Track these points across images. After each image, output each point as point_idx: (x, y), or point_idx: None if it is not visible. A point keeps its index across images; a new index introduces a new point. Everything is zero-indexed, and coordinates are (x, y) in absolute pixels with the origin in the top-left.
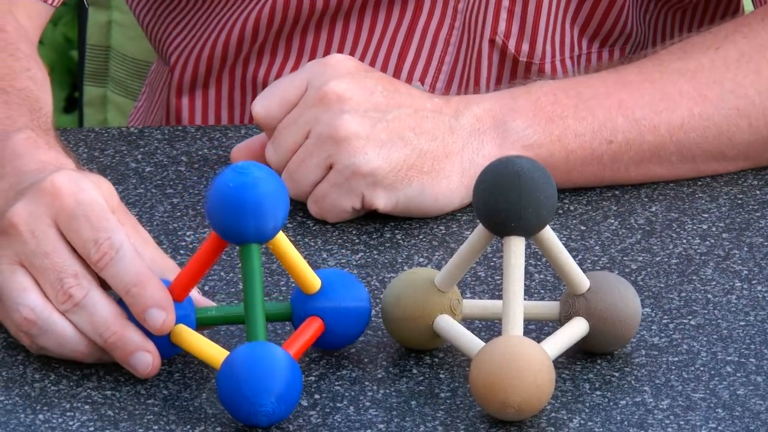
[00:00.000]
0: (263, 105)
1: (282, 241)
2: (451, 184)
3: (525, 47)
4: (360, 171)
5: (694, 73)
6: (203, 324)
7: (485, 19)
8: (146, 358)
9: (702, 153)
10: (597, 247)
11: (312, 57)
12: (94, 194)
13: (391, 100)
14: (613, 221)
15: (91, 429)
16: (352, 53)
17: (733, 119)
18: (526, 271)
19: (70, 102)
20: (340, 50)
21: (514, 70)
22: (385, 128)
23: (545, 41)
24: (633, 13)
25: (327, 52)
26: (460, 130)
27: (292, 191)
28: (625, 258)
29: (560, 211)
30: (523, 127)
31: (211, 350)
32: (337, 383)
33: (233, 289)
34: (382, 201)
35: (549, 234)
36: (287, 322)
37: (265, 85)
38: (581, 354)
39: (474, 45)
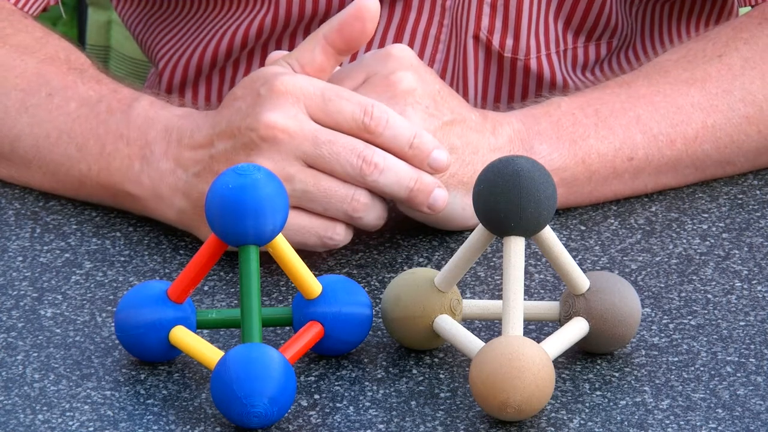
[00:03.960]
0: None
1: (282, 245)
2: None
3: (509, 43)
4: None
5: (703, 83)
6: (203, 327)
7: (469, 15)
8: (442, 194)
9: (713, 162)
10: (597, 247)
11: None
12: (309, 79)
13: (446, 103)
14: (613, 221)
15: (91, 429)
16: None
17: (743, 127)
18: (526, 271)
19: None
20: None
21: (500, 67)
22: (440, 129)
23: (529, 36)
24: (618, 7)
25: None
26: (498, 150)
27: None
28: (625, 258)
29: (560, 211)
30: (549, 151)
31: (208, 351)
32: (337, 383)
33: (233, 289)
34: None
35: (549, 234)
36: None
37: None
38: (581, 354)
39: (461, 42)
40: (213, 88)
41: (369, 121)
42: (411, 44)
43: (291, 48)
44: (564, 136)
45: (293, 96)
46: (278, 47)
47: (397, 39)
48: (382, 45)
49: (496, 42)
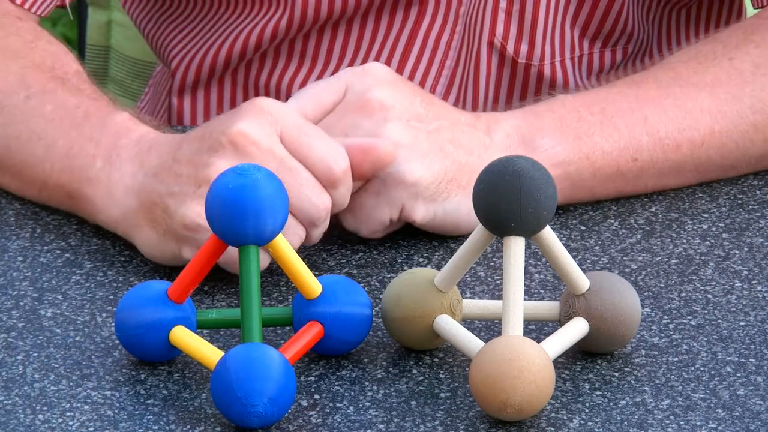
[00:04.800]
0: (297, 107)
1: (282, 245)
2: None
3: (524, 49)
4: (404, 181)
5: (713, 88)
6: (203, 327)
7: (483, 22)
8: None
9: (716, 168)
10: (597, 247)
11: (314, 60)
12: (292, 109)
13: (430, 112)
14: (613, 221)
15: (91, 429)
16: (354, 57)
17: (749, 135)
18: (526, 271)
19: None
20: (343, 54)
21: (514, 73)
22: (427, 139)
23: (544, 42)
24: (634, 13)
25: (329, 57)
26: (494, 147)
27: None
28: (625, 258)
29: (560, 211)
30: (551, 145)
31: (208, 351)
32: (337, 383)
33: (233, 289)
34: (420, 213)
35: (549, 234)
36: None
37: (267, 88)
38: (581, 354)
39: (473, 48)
40: (225, 89)
41: (332, 171)
42: (422, 50)
43: (303, 48)
44: (568, 132)
45: (272, 117)
46: (291, 49)
47: (409, 45)
48: (393, 50)
49: (510, 48)
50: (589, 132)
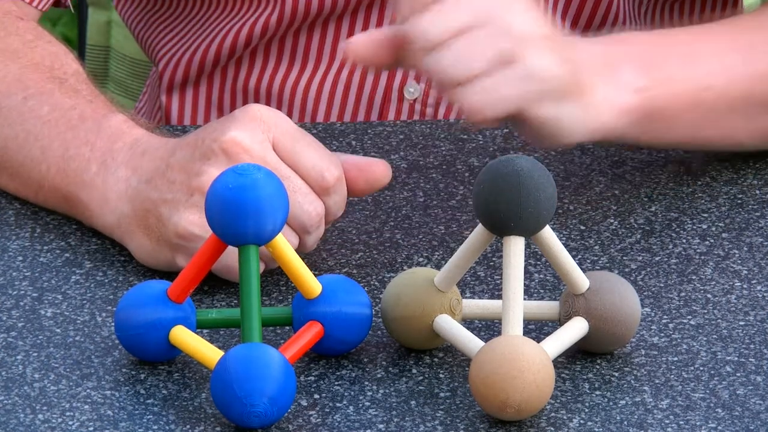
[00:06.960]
0: None
1: (282, 245)
2: (600, 114)
3: None
4: (542, 75)
5: None
6: (203, 326)
7: None
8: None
9: None
10: (597, 247)
11: (305, 59)
12: (285, 117)
13: (538, 28)
14: (612, 221)
15: (91, 429)
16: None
17: None
18: (526, 271)
19: None
20: (333, 52)
21: None
22: (552, 41)
23: None
24: (626, 6)
25: (320, 54)
26: (591, 66)
27: (440, 74)
28: (624, 258)
29: (560, 211)
30: (630, 71)
31: (208, 351)
32: (336, 383)
33: (233, 289)
34: (544, 109)
35: (549, 234)
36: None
37: (257, 88)
38: (581, 354)
39: None
40: (214, 86)
41: (324, 179)
42: None
43: (294, 46)
44: (645, 59)
45: (265, 124)
46: (281, 45)
47: None
48: None
49: None
50: (666, 60)
